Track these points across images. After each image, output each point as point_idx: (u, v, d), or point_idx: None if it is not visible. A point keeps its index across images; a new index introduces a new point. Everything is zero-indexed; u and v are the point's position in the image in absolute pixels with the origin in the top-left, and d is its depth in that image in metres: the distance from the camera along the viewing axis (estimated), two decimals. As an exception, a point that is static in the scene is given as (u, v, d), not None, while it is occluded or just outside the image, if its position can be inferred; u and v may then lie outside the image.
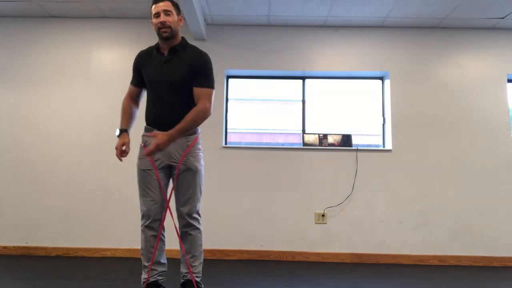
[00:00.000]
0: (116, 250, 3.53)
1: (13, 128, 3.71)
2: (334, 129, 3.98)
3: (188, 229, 2.16)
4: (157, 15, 2.09)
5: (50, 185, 3.63)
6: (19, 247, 3.54)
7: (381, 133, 3.91)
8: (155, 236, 2.16)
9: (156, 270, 2.17)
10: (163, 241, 2.24)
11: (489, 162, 3.65)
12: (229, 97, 3.95)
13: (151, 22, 2.15)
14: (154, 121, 2.18)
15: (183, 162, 2.11)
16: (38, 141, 3.69)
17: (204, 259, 3.46)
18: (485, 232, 3.55)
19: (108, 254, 3.52)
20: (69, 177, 3.64)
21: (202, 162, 2.21)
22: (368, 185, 3.64)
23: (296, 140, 4.02)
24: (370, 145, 3.99)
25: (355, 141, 3.80)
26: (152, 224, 2.16)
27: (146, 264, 2.17)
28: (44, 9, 3.71)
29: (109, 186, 3.63)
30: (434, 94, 3.75)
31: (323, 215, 3.60)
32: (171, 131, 2.02)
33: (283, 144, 4.03)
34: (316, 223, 3.59)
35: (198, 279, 2.16)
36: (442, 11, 3.54)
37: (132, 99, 2.29)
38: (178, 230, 2.20)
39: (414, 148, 3.68)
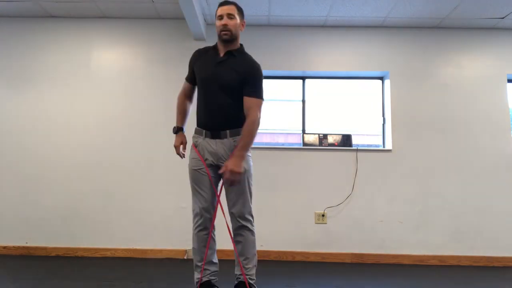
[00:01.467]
0: (116, 250, 3.53)
1: (13, 127, 3.71)
2: (334, 129, 3.97)
3: (240, 231, 2.17)
4: (220, 17, 2.16)
5: (50, 185, 3.63)
6: (19, 247, 3.54)
7: (381, 133, 3.91)
8: (207, 235, 2.17)
9: (208, 270, 2.18)
10: (214, 240, 2.24)
11: (489, 162, 3.65)
12: (229, 97, 3.95)
13: (215, 24, 2.21)
14: (203, 122, 2.19)
15: None
16: (38, 141, 3.69)
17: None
18: (485, 232, 3.55)
19: (108, 254, 3.52)
20: (69, 177, 3.64)
21: (250, 162, 2.20)
22: (368, 185, 3.64)
23: (296, 140, 4.02)
24: (370, 145, 3.99)
25: (355, 141, 3.80)
26: (204, 223, 2.17)
27: (199, 263, 2.18)
28: (44, 9, 3.71)
29: (109, 186, 3.62)
30: (434, 94, 3.75)
31: (323, 215, 3.60)
32: (236, 153, 2.05)
33: (283, 144, 4.03)
34: (316, 223, 3.59)
35: (251, 282, 2.16)
36: (442, 11, 3.54)
37: (186, 95, 2.35)
38: (231, 232, 2.20)
39: (414, 148, 3.68)
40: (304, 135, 3.79)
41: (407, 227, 3.58)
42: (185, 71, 3.76)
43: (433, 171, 3.64)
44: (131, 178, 3.63)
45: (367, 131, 4.06)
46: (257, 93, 2.13)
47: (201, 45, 3.79)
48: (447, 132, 3.70)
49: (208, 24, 3.87)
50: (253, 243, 2.19)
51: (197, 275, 2.18)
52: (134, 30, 3.85)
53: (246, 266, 2.16)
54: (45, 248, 3.53)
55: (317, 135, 3.78)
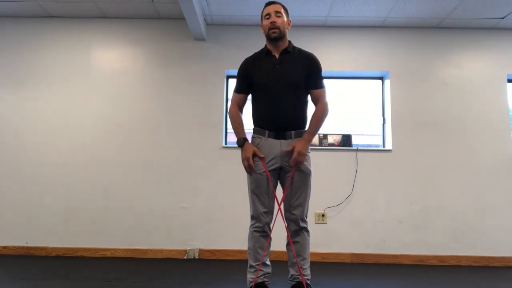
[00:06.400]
0: (116, 250, 3.53)
1: (13, 127, 3.71)
2: (334, 129, 3.97)
3: (299, 232, 2.18)
4: (268, 16, 2.17)
5: (50, 185, 3.63)
6: (19, 247, 3.54)
7: (381, 133, 3.91)
8: (263, 237, 2.17)
9: (262, 271, 2.18)
10: (269, 243, 2.24)
11: (489, 162, 3.65)
12: (229, 97, 3.95)
13: (261, 26, 2.23)
14: (267, 123, 2.18)
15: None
16: (38, 141, 3.69)
17: (204, 259, 3.48)
18: (485, 232, 3.55)
19: (108, 254, 3.52)
20: (69, 177, 3.64)
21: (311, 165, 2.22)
22: (368, 185, 3.63)
23: (296, 140, 4.01)
24: (370, 145, 3.99)
25: (355, 141, 3.80)
26: (262, 227, 2.17)
27: (254, 264, 2.18)
28: (44, 9, 3.71)
29: (109, 186, 3.63)
30: (434, 94, 3.75)
31: (323, 215, 3.60)
32: (305, 137, 2.11)
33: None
34: (316, 223, 3.59)
35: (308, 282, 2.17)
36: (442, 11, 3.54)
37: (240, 107, 2.31)
38: (289, 233, 2.20)
39: (414, 148, 3.68)
40: (304, 135, 3.78)
41: (407, 227, 3.58)
42: (185, 71, 3.81)
43: (433, 171, 3.64)
44: (131, 178, 3.63)
45: (367, 131, 4.05)
46: (322, 83, 2.21)
47: (201, 45, 3.83)
48: (447, 132, 3.70)
49: (208, 24, 3.87)
50: (309, 243, 2.22)
51: (250, 276, 2.17)
52: (134, 30, 3.85)
53: (303, 267, 2.17)
54: (45, 248, 3.53)
55: (317, 135, 3.78)
